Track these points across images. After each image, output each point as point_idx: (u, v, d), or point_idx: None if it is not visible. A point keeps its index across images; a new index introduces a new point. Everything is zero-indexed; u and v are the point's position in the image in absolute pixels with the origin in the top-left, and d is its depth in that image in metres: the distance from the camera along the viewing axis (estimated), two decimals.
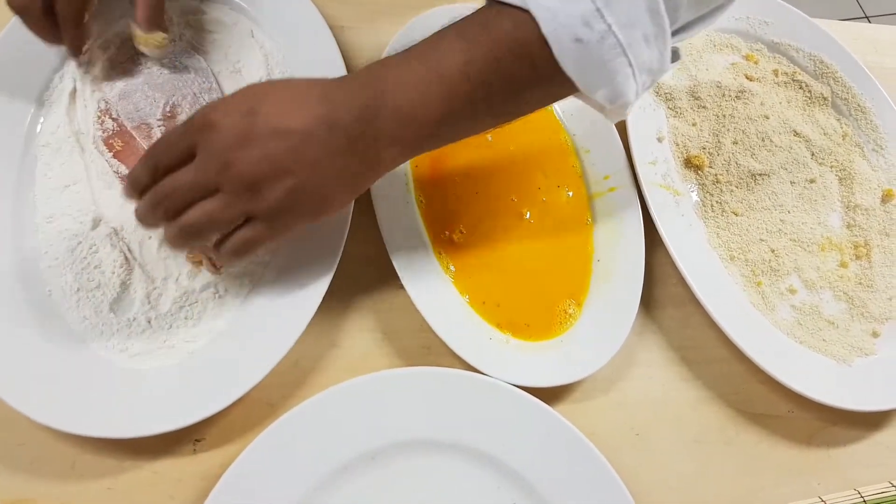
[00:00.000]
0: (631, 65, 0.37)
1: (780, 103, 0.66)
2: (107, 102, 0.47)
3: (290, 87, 0.38)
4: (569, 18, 0.36)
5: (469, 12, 0.39)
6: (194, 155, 0.37)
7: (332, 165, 0.38)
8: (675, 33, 0.40)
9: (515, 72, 0.38)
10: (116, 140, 0.46)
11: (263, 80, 0.51)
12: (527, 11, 0.36)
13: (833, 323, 0.58)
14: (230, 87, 0.51)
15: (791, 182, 0.62)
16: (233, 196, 0.37)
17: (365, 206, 0.49)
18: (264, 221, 0.38)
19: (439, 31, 0.39)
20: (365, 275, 0.51)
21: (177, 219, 0.38)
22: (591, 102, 0.42)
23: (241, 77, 0.52)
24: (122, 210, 0.45)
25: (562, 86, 0.39)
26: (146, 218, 0.39)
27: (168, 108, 0.48)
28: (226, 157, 0.36)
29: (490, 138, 0.56)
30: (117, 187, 0.46)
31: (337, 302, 0.49)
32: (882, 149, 0.67)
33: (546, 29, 0.36)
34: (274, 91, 0.38)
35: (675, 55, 0.42)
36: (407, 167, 0.53)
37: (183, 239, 0.38)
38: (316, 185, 0.38)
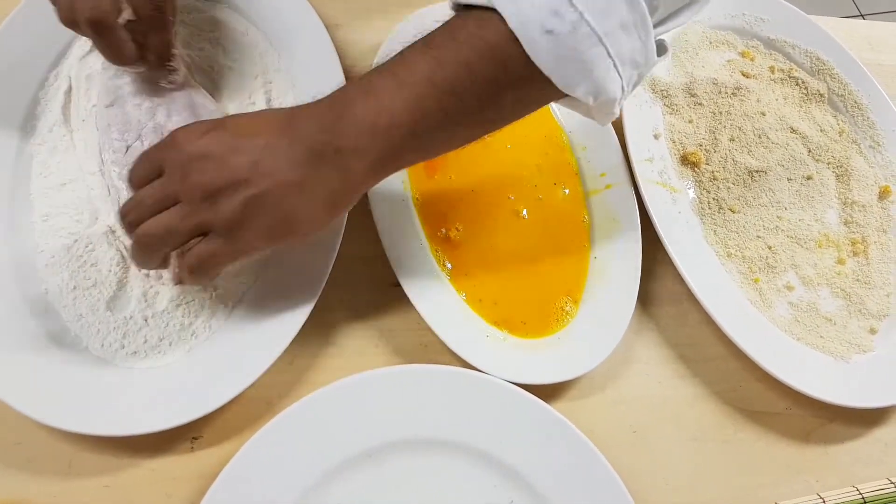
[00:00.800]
0: (610, 55, 0.35)
1: (777, 100, 0.66)
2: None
3: (257, 112, 0.39)
4: (536, 10, 0.34)
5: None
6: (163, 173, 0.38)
7: (295, 177, 0.37)
8: (658, 24, 0.38)
9: (487, 75, 0.36)
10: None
11: (258, 77, 0.52)
12: (492, 10, 0.35)
13: (830, 320, 0.58)
14: (227, 85, 0.51)
15: (788, 179, 0.62)
16: (190, 206, 0.36)
17: (361, 204, 0.49)
18: (222, 236, 0.37)
19: (407, 46, 0.38)
20: (361, 273, 0.51)
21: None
22: (578, 107, 0.40)
23: (236, 76, 0.52)
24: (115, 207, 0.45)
25: (541, 87, 0.36)
26: (126, 230, 0.39)
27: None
28: (186, 168, 0.36)
29: (486, 136, 0.56)
30: (112, 188, 0.46)
31: (333, 300, 0.49)
32: (879, 145, 0.67)
33: (513, 23, 0.34)
34: (240, 114, 0.39)
35: (662, 48, 0.40)
36: None
37: (140, 251, 0.38)
38: (276, 197, 0.36)
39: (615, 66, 0.36)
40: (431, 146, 0.40)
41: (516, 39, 0.35)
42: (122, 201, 0.44)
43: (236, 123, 0.38)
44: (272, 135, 0.37)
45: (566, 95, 0.37)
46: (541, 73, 0.35)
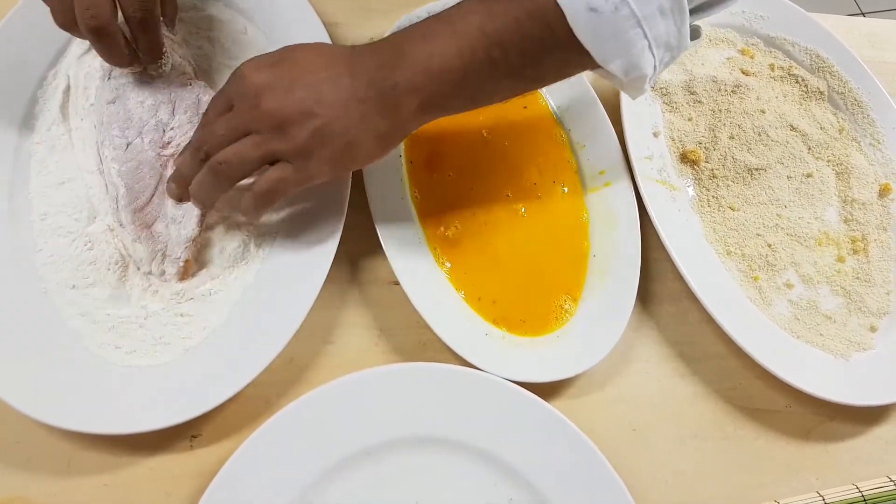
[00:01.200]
0: (646, 37, 0.38)
1: (777, 98, 0.66)
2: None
3: (319, 45, 0.43)
4: None
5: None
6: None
7: (356, 110, 0.40)
8: (694, 11, 0.41)
9: (533, 34, 0.39)
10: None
11: None
12: None
13: (830, 318, 0.58)
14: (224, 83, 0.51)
15: (788, 177, 0.62)
16: (262, 135, 0.39)
17: (360, 204, 0.49)
18: (292, 162, 0.40)
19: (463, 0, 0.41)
20: (360, 271, 0.51)
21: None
22: (611, 79, 0.42)
23: None
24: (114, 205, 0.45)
25: (579, 55, 0.39)
26: (185, 166, 0.42)
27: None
28: (256, 99, 0.39)
29: (485, 134, 0.56)
30: (110, 185, 0.46)
31: (332, 298, 0.49)
32: (879, 143, 0.67)
33: None
34: (303, 47, 0.42)
35: (697, 32, 0.43)
36: (402, 163, 0.53)
37: (212, 179, 0.41)
38: (341, 127, 0.39)
39: (650, 47, 0.39)
40: (477, 95, 0.43)
41: (562, 11, 0.38)
42: (121, 199, 0.44)
43: (301, 57, 0.41)
44: (334, 69, 0.40)
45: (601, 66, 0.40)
46: (580, 43, 0.38)
